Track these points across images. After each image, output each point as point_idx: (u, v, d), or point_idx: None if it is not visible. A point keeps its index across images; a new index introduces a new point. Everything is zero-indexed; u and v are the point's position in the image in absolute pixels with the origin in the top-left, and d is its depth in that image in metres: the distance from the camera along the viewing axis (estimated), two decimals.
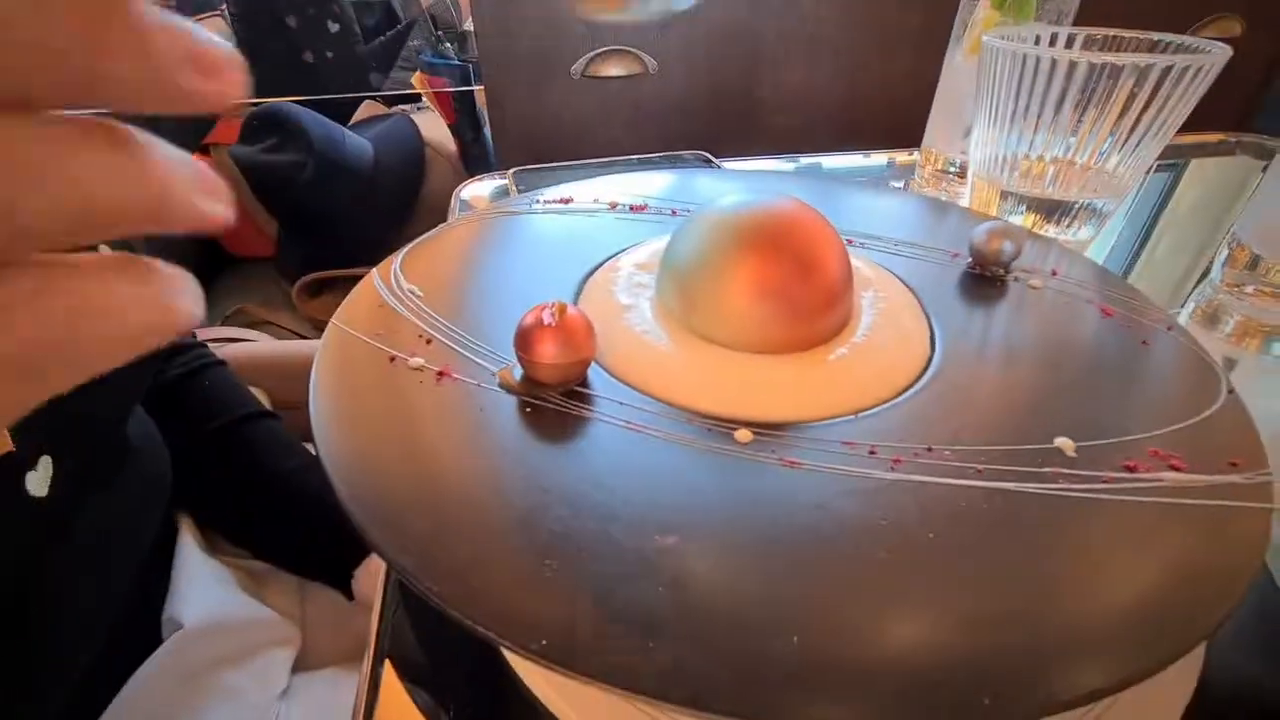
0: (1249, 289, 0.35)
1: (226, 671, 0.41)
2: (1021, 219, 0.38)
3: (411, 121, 1.21)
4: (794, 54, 0.96)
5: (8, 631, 0.31)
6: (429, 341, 0.26)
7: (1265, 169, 0.37)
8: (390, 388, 0.23)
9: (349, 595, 0.49)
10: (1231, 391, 0.23)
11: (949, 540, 0.18)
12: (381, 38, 1.36)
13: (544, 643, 0.15)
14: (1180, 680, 0.19)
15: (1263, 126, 0.67)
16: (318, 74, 1.29)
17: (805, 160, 0.66)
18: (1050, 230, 0.38)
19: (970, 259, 0.31)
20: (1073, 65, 0.32)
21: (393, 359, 0.24)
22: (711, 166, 0.59)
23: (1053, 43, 0.38)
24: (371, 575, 0.49)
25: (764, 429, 0.22)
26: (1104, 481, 0.19)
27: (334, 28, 1.33)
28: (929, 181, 0.55)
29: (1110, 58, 0.31)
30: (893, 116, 1.01)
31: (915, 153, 0.64)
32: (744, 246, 0.25)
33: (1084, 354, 0.26)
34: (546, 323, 0.22)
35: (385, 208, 1.14)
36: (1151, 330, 0.27)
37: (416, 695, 0.22)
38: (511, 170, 0.59)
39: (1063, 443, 0.21)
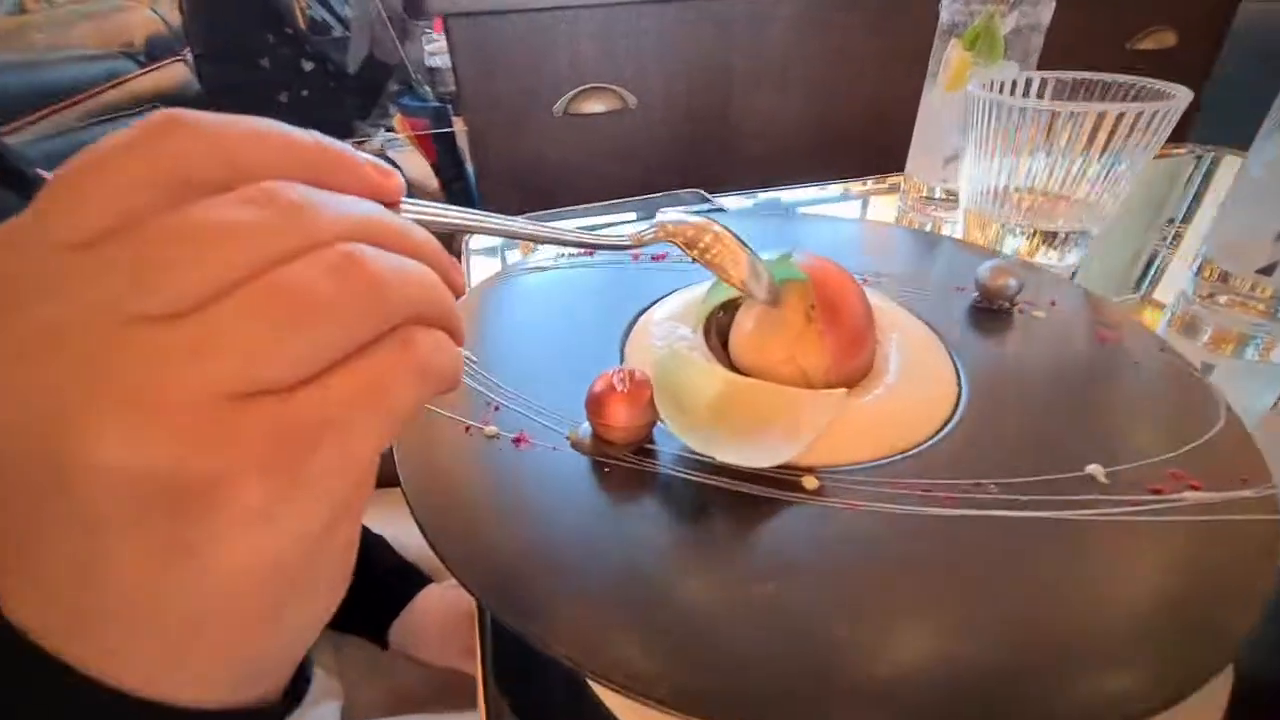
0: (1222, 300, 0.39)
1: None
2: (1017, 249, 0.42)
3: (391, 160, 1.22)
4: (765, 83, 1.00)
5: None
6: (496, 408, 0.27)
7: (1231, 188, 0.41)
8: (472, 458, 0.25)
9: (384, 645, 0.50)
10: (1230, 410, 0.26)
11: (1008, 571, 0.20)
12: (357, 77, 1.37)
13: (665, 693, 0.17)
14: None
15: (1197, 136, 0.72)
16: (294, 114, 1.30)
17: (792, 192, 0.69)
18: (1041, 258, 0.42)
19: (977, 293, 0.34)
20: (1052, 114, 0.35)
21: (468, 429, 0.26)
22: (708, 204, 0.61)
23: (1026, 90, 0.41)
24: (404, 627, 0.50)
25: (827, 474, 0.24)
26: (1134, 505, 0.22)
27: (308, 66, 1.34)
28: (914, 208, 0.59)
29: (1083, 107, 0.35)
30: (860, 140, 1.06)
31: (888, 179, 0.68)
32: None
33: (1092, 380, 0.28)
34: (619, 389, 0.24)
35: None
36: (1144, 352, 0.30)
37: None
38: (521, 218, 0.61)
39: (1094, 470, 0.23)
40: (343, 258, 0.11)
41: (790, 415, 0.25)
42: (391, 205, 0.14)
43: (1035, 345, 0.31)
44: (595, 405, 0.25)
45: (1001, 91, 0.38)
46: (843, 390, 0.25)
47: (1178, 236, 0.53)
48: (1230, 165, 0.65)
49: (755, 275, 0.25)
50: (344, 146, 0.13)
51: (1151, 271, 0.48)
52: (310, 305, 0.11)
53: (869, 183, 0.70)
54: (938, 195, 0.55)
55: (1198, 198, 0.60)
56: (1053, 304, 0.34)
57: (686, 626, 0.19)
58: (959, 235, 0.47)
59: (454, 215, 0.16)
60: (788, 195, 0.68)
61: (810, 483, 0.23)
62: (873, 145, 1.04)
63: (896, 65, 0.99)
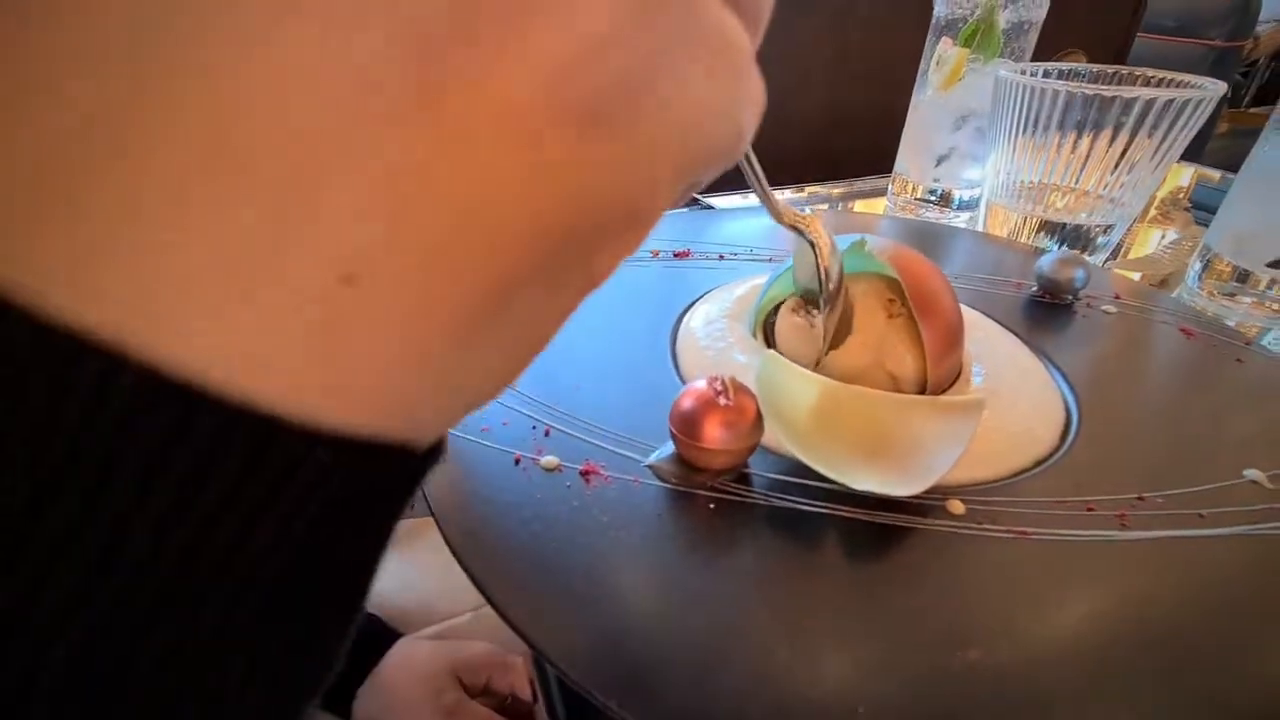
0: (1246, 300, 0.39)
1: None
2: (1056, 245, 0.40)
3: None
4: None
5: None
6: (547, 433, 0.22)
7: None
8: (533, 498, 0.19)
9: (347, 715, 0.42)
10: None
11: (1227, 605, 0.17)
12: None
13: None
14: None
15: None
16: None
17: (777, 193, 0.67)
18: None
19: (1037, 287, 0.32)
20: (1100, 98, 0.34)
21: (518, 460, 0.20)
22: (697, 204, 0.57)
23: (1046, 77, 0.40)
24: (374, 691, 0.42)
25: (971, 495, 0.20)
26: None
27: None
28: (903, 209, 0.57)
29: (1132, 92, 0.33)
30: (814, 144, 1.07)
31: (865, 181, 0.67)
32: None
33: (1204, 378, 0.26)
34: (721, 404, 0.19)
35: None
36: (1234, 348, 0.28)
37: None
38: None
39: (1255, 475, 0.21)
40: None
41: (922, 429, 0.21)
42: None
43: (1122, 342, 0.29)
44: (688, 424, 0.20)
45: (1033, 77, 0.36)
46: (980, 397, 0.22)
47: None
48: None
49: (830, 280, 0.21)
50: None
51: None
52: None
53: (858, 183, 0.69)
54: (935, 196, 0.54)
55: None
56: (1117, 297, 0.32)
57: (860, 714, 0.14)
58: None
59: None
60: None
61: (956, 507, 0.19)
62: (824, 150, 1.05)
63: (841, 73, 1.00)
